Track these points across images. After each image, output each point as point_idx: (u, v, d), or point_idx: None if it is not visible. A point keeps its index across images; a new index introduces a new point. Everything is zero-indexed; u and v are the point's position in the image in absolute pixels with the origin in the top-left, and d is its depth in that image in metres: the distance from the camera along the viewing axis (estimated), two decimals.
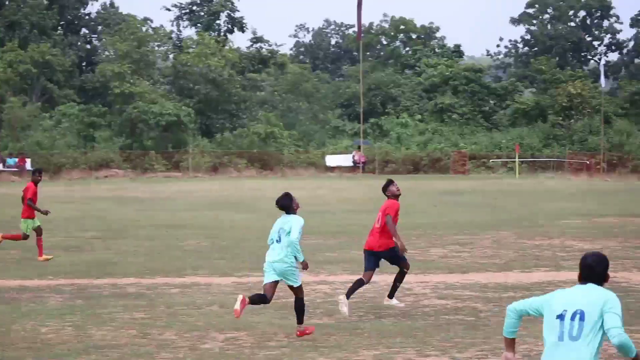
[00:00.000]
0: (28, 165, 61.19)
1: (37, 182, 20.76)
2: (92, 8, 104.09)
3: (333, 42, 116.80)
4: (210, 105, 75.92)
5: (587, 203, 37.05)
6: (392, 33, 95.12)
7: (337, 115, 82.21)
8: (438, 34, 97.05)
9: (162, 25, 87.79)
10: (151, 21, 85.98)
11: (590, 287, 7.01)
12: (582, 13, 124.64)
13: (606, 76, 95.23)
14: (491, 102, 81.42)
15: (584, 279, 7.07)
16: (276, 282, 12.16)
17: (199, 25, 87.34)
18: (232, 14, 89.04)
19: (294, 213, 12.27)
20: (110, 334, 12.28)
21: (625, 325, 6.63)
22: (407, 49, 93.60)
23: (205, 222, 29.43)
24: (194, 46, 78.46)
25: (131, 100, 69.82)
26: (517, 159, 64.10)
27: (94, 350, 11.31)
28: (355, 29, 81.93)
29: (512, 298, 13.79)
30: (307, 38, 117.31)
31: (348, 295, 13.85)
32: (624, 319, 6.78)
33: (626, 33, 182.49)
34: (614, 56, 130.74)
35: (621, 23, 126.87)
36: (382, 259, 14.29)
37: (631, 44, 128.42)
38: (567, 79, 77.06)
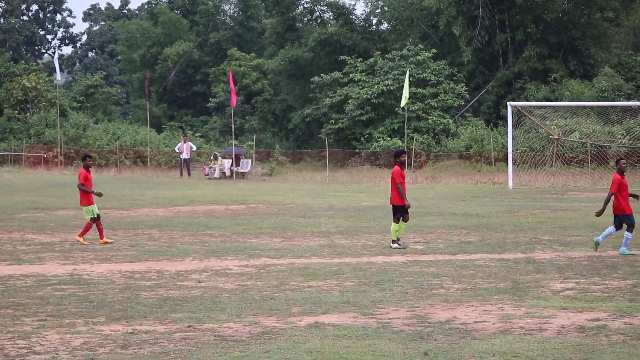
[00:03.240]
0: None
1: (88, 167, 22.29)
2: None
3: None
4: None
5: (45, 197, 37.65)
6: None
7: None
8: None
9: None
10: None
11: None
12: (34, 7, 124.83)
13: (61, 69, 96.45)
14: None
15: None
16: None
17: None
18: None
19: None
20: None
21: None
22: None
23: None
24: None
25: None
26: None
27: None
28: None
29: None
30: None
31: None
32: None
33: (79, 27, 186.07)
34: (68, 49, 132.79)
35: (74, 17, 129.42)
36: None
37: (84, 37, 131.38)
38: (22, 72, 76.89)
